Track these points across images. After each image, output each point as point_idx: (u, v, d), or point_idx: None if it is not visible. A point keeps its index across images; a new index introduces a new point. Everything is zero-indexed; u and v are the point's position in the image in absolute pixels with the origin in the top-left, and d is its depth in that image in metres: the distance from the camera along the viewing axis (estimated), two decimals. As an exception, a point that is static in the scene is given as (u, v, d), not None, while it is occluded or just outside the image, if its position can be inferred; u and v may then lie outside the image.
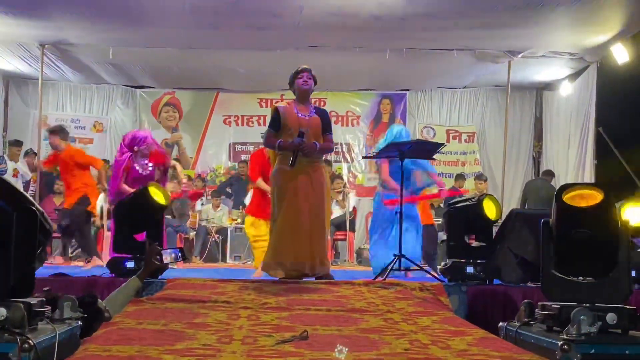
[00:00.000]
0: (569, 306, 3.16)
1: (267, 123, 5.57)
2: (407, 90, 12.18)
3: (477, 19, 8.07)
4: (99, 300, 3.63)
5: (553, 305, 3.28)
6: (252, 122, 12.28)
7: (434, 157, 6.41)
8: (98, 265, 7.10)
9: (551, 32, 8.55)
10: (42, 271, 3.94)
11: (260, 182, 6.71)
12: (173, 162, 7.97)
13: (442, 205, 10.01)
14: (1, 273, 2.69)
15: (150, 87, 12.14)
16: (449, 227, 5.50)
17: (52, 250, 9.05)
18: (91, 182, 7.89)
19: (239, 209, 10.91)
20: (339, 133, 11.53)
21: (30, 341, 2.56)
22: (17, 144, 10.27)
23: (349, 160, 12.29)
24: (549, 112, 11.62)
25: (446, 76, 11.22)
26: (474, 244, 5.38)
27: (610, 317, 3.13)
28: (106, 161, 11.39)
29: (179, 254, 5.20)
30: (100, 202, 10.04)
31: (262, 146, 6.94)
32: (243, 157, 11.99)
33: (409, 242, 6.27)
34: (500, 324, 3.75)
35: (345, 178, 11.66)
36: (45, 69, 10.03)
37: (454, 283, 5.01)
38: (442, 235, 8.05)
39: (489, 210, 5.23)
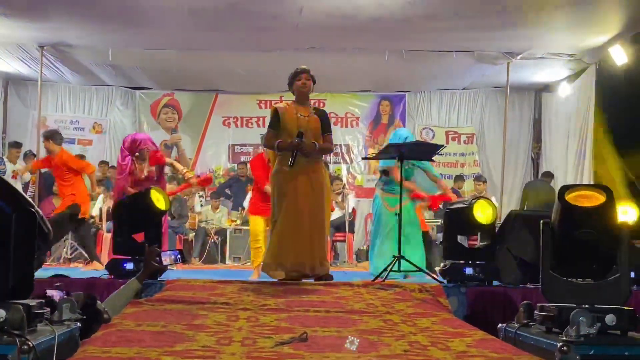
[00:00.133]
0: (568, 307, 3.16)
1: (267, 124, 5.58)
2: (406, 91, 12.19)
3: (476, 20, 8.07)
4: (98, 302, 3.63)
5: (552, 307, 3.29)
6: (252, 124, 12.28)
7: (433, 158, 6.42)
8: (96, 268, 7.10)
9: (550, 33, 8.56)
10: (41, 272, 3.94)
11: (269, 188, 6.72)
12: (170, 161, 7.97)
13: (441, 206, 10.02)
14: (0, 274, 2.69)
15: (149, 89, 12.14)
16: (446, 229, 5.52)
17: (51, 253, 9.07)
18: (82, 188, 7.86)
19: (238, 211, 10.92)
20: (338, 134, 11.52)
21: (29, 343, 2.56)
22: (17, 145, 10.27)
23: (348, 161, 12.29)
24: (548, 114, 11.63)
25: (445, 77, 11.23)
26: (473, 244, 5.39)
27: (610, 319, 3.13)
28: (105, 163, 11.43)
29: (178, 256, 5.21)
30: (99, 204, 10.07)
31: (260, 148, 6.95)
32: (242, 158, 12.00)
33: (413, 250, 6.31)
34: (500, 325, 3.75)
35: (344, 179, 11.67)
36: (44, 70, 10.04)
37: (453, 284, 5.01)
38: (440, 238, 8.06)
39: (482, 213, 5.22)
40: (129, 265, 5.05)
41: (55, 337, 2.78)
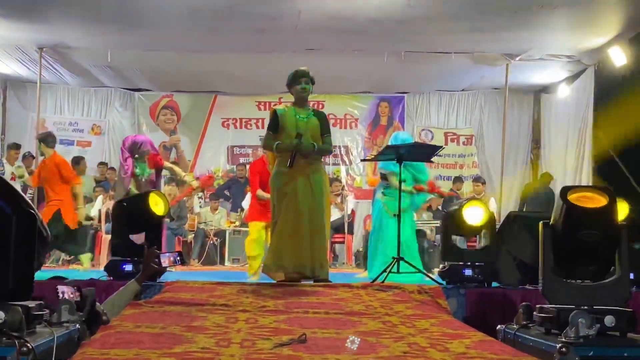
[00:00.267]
0: (567, 309, 3.16)
1: (266, 126, 5.59)
2: (406, 93, 12.20)
3: (475, 22, 8.09)
4: (97, 304, 3.62)
5: (551, 308, 3.28)
6: (251, 125, 12.29)
7: (432, 159, 6.42)
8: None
9: (549, 35, 8.58)
10: (39, 274, 3.94)
11: (260, 193, 6.77)
12: (169, 165, 7.96)
13: (440, 208, 10.03)
14: (0, 275, 2.69)
15: (148, 90, 12.14)
16: (443, 230, 5.52)
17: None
18: (67, 197, 7.68)
19: (237, 212, 10.92)
20: (337, 136, 11.54)
21: (28, 345, 2.56)
22: (15, 147, 10.26)
23: (348, 162, 12.30)
24: (547, 115, 11.63)
25: (444, 79, 11.24)
26: (473, 246, 5.39)
27: (609, 320, 3.13)
28: (104, 164, 11.42)
29: (178, 257, 5.20)
30: (99, 206, 10.07)
31: (260, 150, 6.96)
32: (241, 159, 12.01)
33: (408, 247, 6.31)
34: (499, 326, 3.75)
35: (343, 181, 11.67)
36: (43, 72, 10.05)
37: (452, 286, 5.01)
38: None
39: (472, 214, 5.21)
40: (128, 267, 5.04)
41: (54, 338, 2.78)
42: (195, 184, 8.13)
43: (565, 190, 3.40)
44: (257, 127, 12.09)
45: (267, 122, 5.52)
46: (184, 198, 10.57)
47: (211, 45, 9.33)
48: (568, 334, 3.04)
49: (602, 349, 3.02)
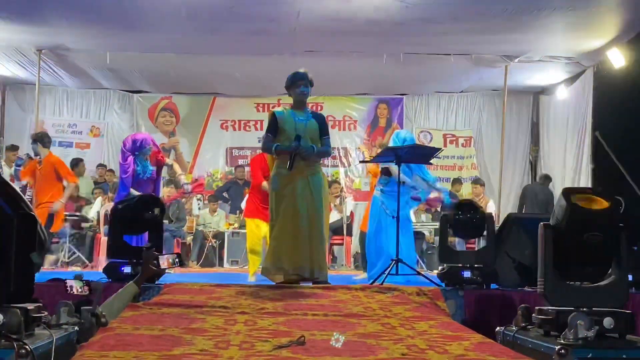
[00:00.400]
0: (566, 311, 3.16)
1: (265, 128, 5.59)
2: (404, 94, 12.21)
3: (474, 23, 8.09)
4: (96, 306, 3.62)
5: (550, 310, 3.28)
6: (249, 127, 12.29)
7: (431, 161, 6.41)
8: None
9: (548, 36, 8.58)
10: (38, 276, 3.93)
11: (265, 184, 6.66)
12: (171, 162, 7.97)
13: (438, 209, 10.03)
14: (0, 278, 2.69)
15: (147, 92, 12.14)
16: (440, 232, 5.53)
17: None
18: (58, 197, 7.66)
19: (235, 214, 10.91)
20: (336, 138, 11.53)
21: (27, 347, 2.55)
22: (13, 148, 10.25)
23: (346, 164, 12.30)
24: (545, 117, 11.64)
25: (443, 81, 11.24)
26: (472, 247, 5.39)
27: (608, 322, 3.13)
28: (103, 166, 11.42)
29: (176, 259, 5.19)
30: (97, 208, 10.06)
31: (258, 152, 6.94)
32: (240, 161, 11.99)
33: (405, 247, 6.28)
34: (498, 328, 3.75)
35: (342, 182, 11.67)
36: (42, 74, 10.05)
37: (451, 287, 5.00)
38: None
39: (464, 214, 5.22)
40: (127, 269, 5.03)
41: (52, 341, 2.78)
42: (188, 188, 8.09)
43: (569, 192, 3.39)
44: (256, 128, 12.09)
45: (266, 124, 5.52)
46: (182, 200, 10.57)
47: (210, 47, 9.33)
48: (567, 335, 3.04)
49: (601, 351, 3.02)
